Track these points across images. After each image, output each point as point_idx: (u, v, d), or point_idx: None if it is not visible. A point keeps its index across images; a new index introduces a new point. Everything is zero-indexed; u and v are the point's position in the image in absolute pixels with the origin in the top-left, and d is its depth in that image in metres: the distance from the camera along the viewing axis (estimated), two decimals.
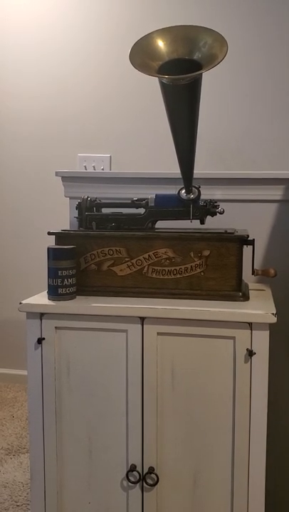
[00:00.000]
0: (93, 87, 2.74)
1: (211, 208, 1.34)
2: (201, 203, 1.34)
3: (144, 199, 1.38)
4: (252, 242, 1.28)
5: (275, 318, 1.13)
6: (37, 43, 2.78)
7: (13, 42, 2.81)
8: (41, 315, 1.23)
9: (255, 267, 1.36)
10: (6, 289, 2.90)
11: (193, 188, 1.33)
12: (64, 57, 2.76)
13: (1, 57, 2.83)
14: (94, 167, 2.73)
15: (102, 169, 2.71)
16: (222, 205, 1.36)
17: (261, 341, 1.14)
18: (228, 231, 1.29)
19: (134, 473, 1.22)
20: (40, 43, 2.78)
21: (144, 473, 1.22)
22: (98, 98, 2.73)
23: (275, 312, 1.14)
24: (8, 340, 2.91)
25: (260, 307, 1.19)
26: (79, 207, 1.39)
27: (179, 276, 1.26)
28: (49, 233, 1.33)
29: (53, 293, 1.25)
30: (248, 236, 1.27)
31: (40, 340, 1.23)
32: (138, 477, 1.22)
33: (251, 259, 1.33)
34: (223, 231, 1.29)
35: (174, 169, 1.34)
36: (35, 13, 2.77)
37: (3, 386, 2.87)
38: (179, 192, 1.34)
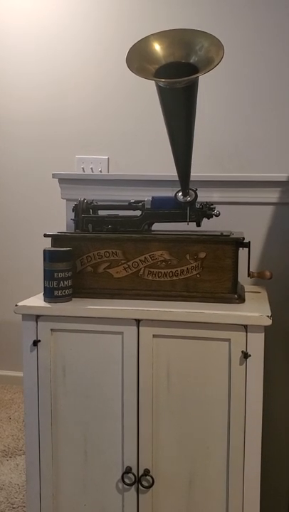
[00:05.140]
0: (91, 89, 2.74)
1: (207, 211, 1.34)
2: (198, 206, 1.34)
3: (140, 201, 1.38)
4: (248, 245, 1.28)
5: (270, 321, 1.13)
6: (35, 45, 2.79)
7: (13, 44, 2.81)
8: (37, 317, 1.23)
9: (250, 270, 1.36)
10: (3, 291, 2.90)
11: (190, 191, 1.33)
12: (62, 59, 2.77)
13: (0, 59, 2.84)
14: (92, 169, 2.74)
15: (100, 171, 2.71)
16: (218, 208, 1.37)
17: (256, 343, 1.15)
18: (224, 233, 1.29)
19: (130, 475, 1.22)
20: (39, 45, 2.78)
21: (140, 475, 1.22)
22: (96, 100, 2.74)
23: (270, 314, 1.14)
24: (5, 342, 2.91)
25: (256, 309, 1.19)
26: (75, 209, 1.39)
27: (175, 278, 1.27)
28: (45, 235, 1.33)
29: (49, 295, 1.25)
30: (243, 238, 1.27)
31: (35, 343, 1.23)
32: (133, 479, 1.22)
33: (247, 261, 1.33)
34: (219, 233, 1.29)
35: (172, 171, 1.34)
36: (34, 15, 2.77)
37: (0, 388, 2.87)
38: (175, 194, 1.34)
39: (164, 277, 1.27)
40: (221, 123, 2.58)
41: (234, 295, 1.25)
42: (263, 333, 1.14)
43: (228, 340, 1.16)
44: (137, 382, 1.20)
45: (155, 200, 1.37)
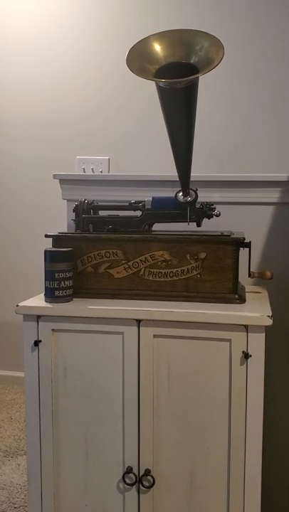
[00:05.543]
0: (92, 90, 2.74)
1: (207, 211, 1.34)
2: (198, 206, 1.34)
3: (141, 201, 1.38)
4: (248, 245, 1.28)
5: (271, 321, 1.13)
6: (36, 47, 2.79)
7: (13, 45, 2.81)
8: (38, 317, 1.23)
9: (251, 270, 1.36)
10: (4, 291, 2.91)
11: (190, 191, 1.33)
12: (63, 60, 2.77)
13: (1, 60, 2.84)
14: (92, 169, 2.74)
15: (101, 171, 2.72)
16: (219, 208, 1.37)
17: (257, 344, 1.15)
18: (225, 234, 1.29)
19: (131, 475, 1.22)
20: (39, 47, 2.79)
21: (141, 475, 1.22)
22: (97, 100, 2.74)
23: (270, 314, 1.14)
24: (7, 342, 2.91)
25: (256, 309, 1.19)
26: (76, 209, 1.39)
27: (175, 278, 1.27)
28: (46, 236, 1.33)
29: (50, 295, 1.25)
30: (244, 238, 1.27)
31: (36, 343, 1.23)
32: (134, 479, 1.22)
33: (248, 261, 1.33)
34: (220, 234, 1.29)
35: (172, 172, 1.34)
36: (34, 17, 2.78)
37: (1, 388, 2.87)
38: (176, 194, 1.35)
39: (164, 277, 1.27)
40: (221, 123, 2.59)
41: (235, 295, 1.25)
42: (264, 333, 1.15)
43: (229, 340, 1.16)
44: (138, 382, 1.20)
45: (155, 201, 1.37)
